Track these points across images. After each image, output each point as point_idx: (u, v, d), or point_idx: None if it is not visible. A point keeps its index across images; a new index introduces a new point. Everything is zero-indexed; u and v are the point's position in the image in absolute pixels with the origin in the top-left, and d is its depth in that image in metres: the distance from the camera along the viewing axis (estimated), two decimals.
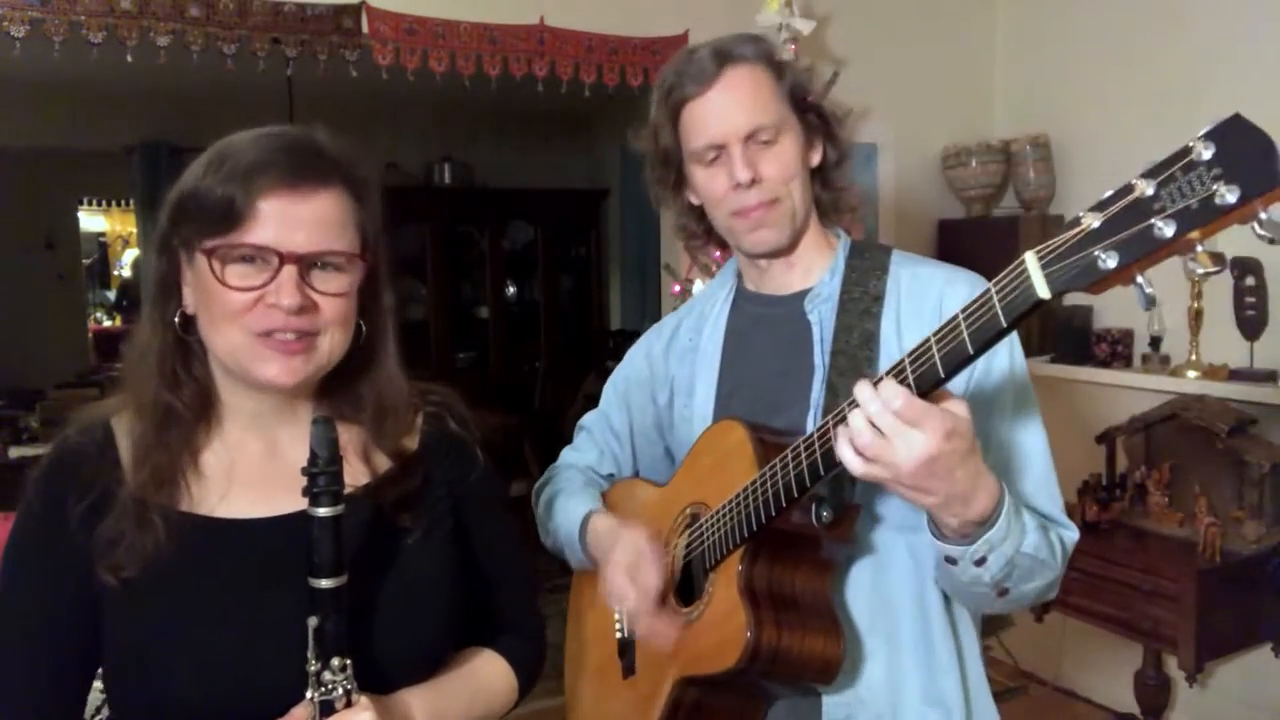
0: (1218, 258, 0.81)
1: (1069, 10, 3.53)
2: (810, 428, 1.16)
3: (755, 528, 1.11)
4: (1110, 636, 2.68)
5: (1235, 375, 2.83)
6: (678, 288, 2.75)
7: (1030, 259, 0.84)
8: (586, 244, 6.84)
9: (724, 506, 1.17)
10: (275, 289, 0.96)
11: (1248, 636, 2.64)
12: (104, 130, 5.89)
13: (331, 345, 1.02)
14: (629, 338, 5.17)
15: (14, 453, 4.03)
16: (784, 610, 1.12)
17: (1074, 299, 3.44)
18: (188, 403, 1.03)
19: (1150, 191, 0.78)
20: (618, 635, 1.37)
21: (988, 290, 0.87)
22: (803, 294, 1.30)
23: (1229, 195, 0.74)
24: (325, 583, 0.92)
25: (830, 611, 1.16)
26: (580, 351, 6.49)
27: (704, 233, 1.39)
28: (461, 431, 1.16)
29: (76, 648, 1.02)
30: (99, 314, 9.01)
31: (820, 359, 1.25)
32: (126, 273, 9.28)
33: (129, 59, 2.72)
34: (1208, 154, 0.75)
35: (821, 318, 1.27)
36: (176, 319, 1.02)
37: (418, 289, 6.17)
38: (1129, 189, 0.78)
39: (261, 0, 2.81)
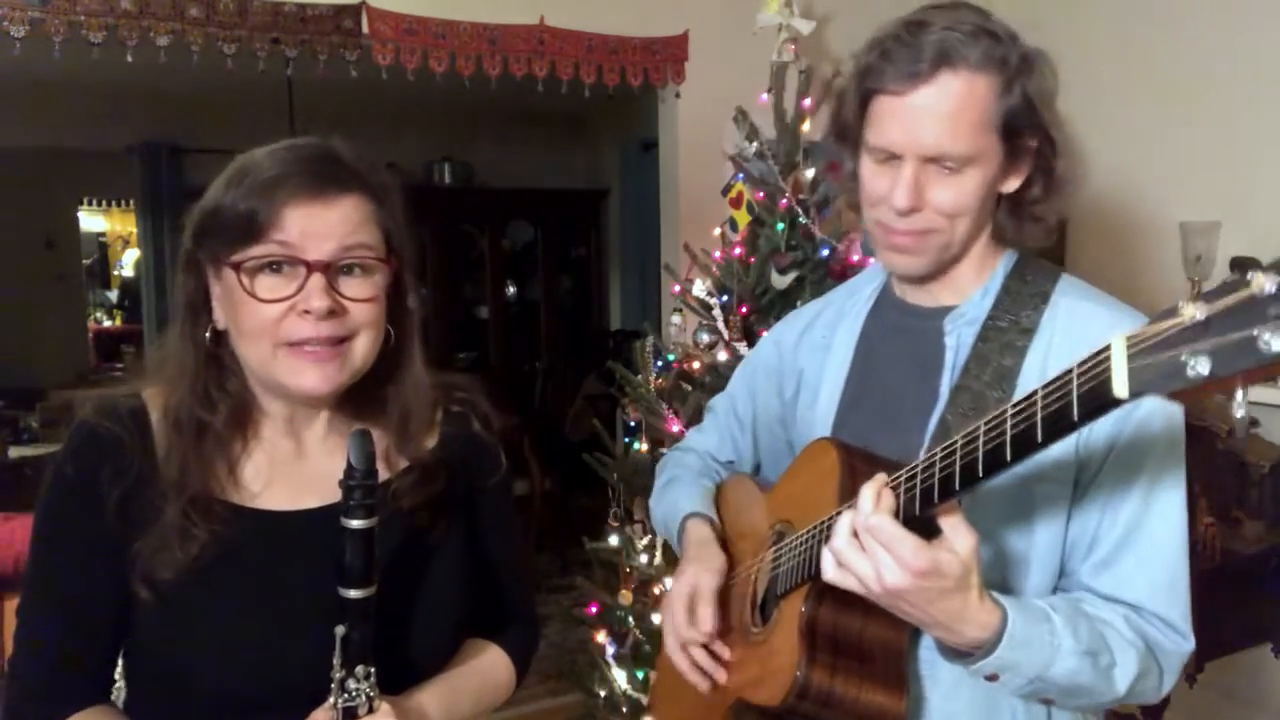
0: None
1: (1069, 11, 3.53)
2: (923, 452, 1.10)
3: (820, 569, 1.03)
4: None
5: None
6: (678, 288, 2.75)
7: (1118, 347, 0.71)
8: (586, 244, 6.84)
9: (802, 535, 1.10)
10: (304, 296, 0.98)
11: (1248, 636, 2.64)
12: (104, 130, 5.89)
13: (364, 350, 1.04)
14: (629, 338, 5.17)
15: (14, 453, 4.03)
16: (844, 656, 1.06)
17: None
18: (224, 418, 1.05)
19: (1270, 289, 0.63)
20: None
21: (1069, 373, 0.76)
22: (947, 310, 1.18)
23: None
24: (355, 593, 0.94)
25: (898, 666, 1.07)
26: (580, 351, 6.49)
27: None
28: (484, 434, 1.18)
29: (110, 620, 1.03)
30: (99, 314, 9.00)
31: (946, 388, 1.14)
32: (127, 273, 9.28)
33: (129, 59, 2.72)
34: None
35: (960, 342, 1.15)
36: (208, 335, 1.04)
37: (418, 289, 6.17)
38: (1245, 282, 0.64)
39: (261, 0, 2.81)
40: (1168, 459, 1.07)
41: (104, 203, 8.45)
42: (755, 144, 2.59)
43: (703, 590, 1.22)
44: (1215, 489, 2.71)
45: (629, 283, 6.47)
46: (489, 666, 1.19)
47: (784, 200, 2.49)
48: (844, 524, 0.93)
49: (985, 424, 0.85)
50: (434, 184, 6.38)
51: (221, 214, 1.00)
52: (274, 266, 0.99)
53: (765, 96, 2.70)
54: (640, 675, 2.48)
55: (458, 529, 1.13)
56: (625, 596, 2.55)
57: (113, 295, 9.36)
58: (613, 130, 6.47)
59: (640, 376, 2.65)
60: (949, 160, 1.07)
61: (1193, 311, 0.66)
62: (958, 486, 0.87)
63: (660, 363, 2.64)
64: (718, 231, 2.76)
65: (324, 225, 0.99)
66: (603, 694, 2.60)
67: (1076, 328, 1.11)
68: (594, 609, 2.65)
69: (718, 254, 2.66)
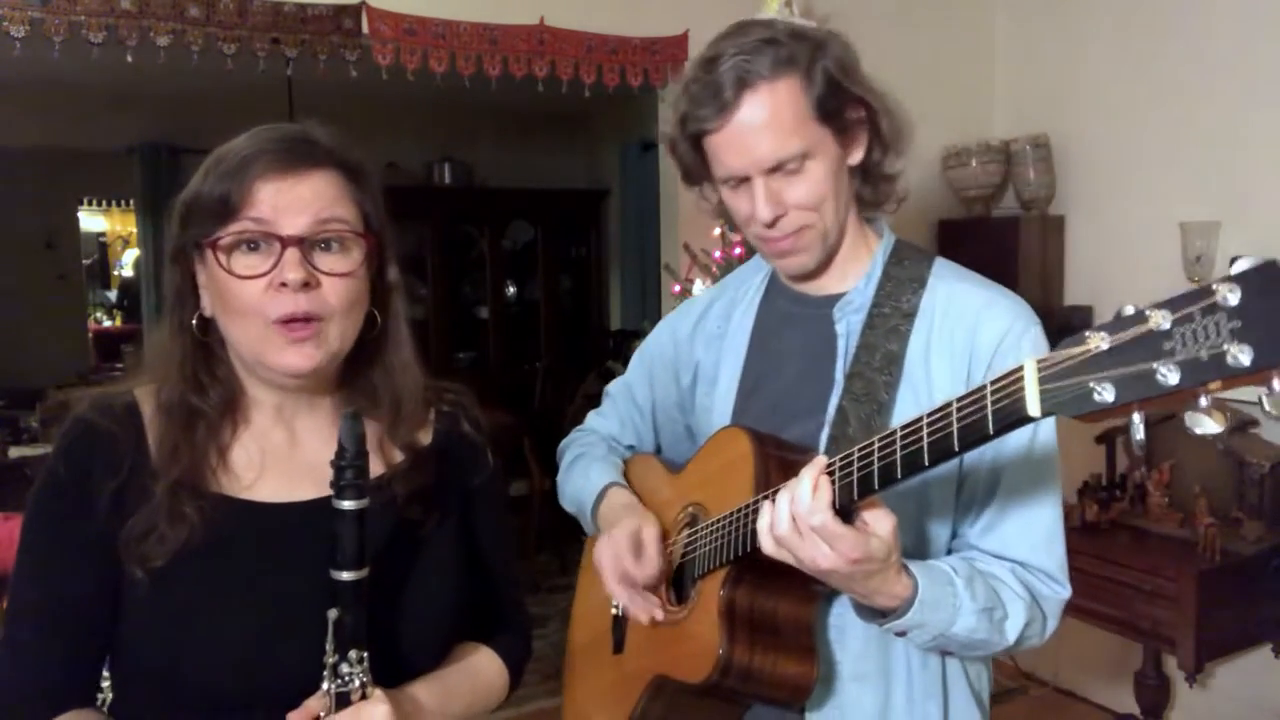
0: (1226, 416, 0.72)
1: (1069, 10, 3.53)
2: (822, 445, 1.18)
3: (741, 553, 1.10)
4: (1110, 637, 2.68)
5: None
6: (678, 288, 2.75)
7: (1030, 369, 0.79)
8: (586, 244, 6.84)
9: (718, 521, 1.16)
10: (279, 269, 0.98)
11: (1248, 636, 2.64)
12: (104, 130, 5.89)
13: (343, 329, 1.03)
14: (629, 338, 5.17)
15: (14, 453, 4.02)
16: (760, 632, 1.13)
17: (1075, 295, 3.44)
18: (213, 404, 1.05)
19: (1165, 325, 0.69)
20: (613, 611, 1.39)
21: (983, 390, 0.84)
22: (835, 299, 1.25)
23: (1241, 356, 0.65)
24: (347, 575, 0.94)
25: (808, 639, 1.16)
26: (580, 351, 6.49)
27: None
28: (474, 434, 1.18)
29: (98, 620, 1.02)
30: (99, 314, 9.00)
31: (840, 375, 1.21)
32: (126, 273, 9.28)
33: (129, 59, 2.72)
34: (1232, 299, 0.65)
35: (849, 329, 1.23)
36: (194, 322, 1.04)
37: (418, 289, 6.17)
38: (1143, 317, 0.71)
39: (261, 0, 2.81)
40: (1039, 434, 1.16)
41: (104, 203, 8.45)
42: None
43: (647, 535, 1.25)
44: (1215, 489, 2.71)
45: (629, 283, 6.47)
46: (482, 668, 1.18)
47: None
48: (784, 511, 0.99)
49: (902, 430, 0.92)
50: (434, 184, 6.38)
51: (199, 200, 1.01)
52: (251, 245, 0.99)
53: None
54: None
55: (449, 526, 1.13)
56: None
57: (113, 295, 9.36)
58: (613, 130, 6.47)
59: None
60: (788, 163, 1.15)
61: (1098, 342, 0.73)
62: (877, 485, 0.94)
63: None
64: (718, 231, 2.76)
65: (296, 199, 0.99)
66: None
67: (954, 309, 1.20)
68: None
69: (718, 254, 2.66)
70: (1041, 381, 0.77)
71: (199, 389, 1.04)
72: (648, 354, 1.51)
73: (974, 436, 0.84)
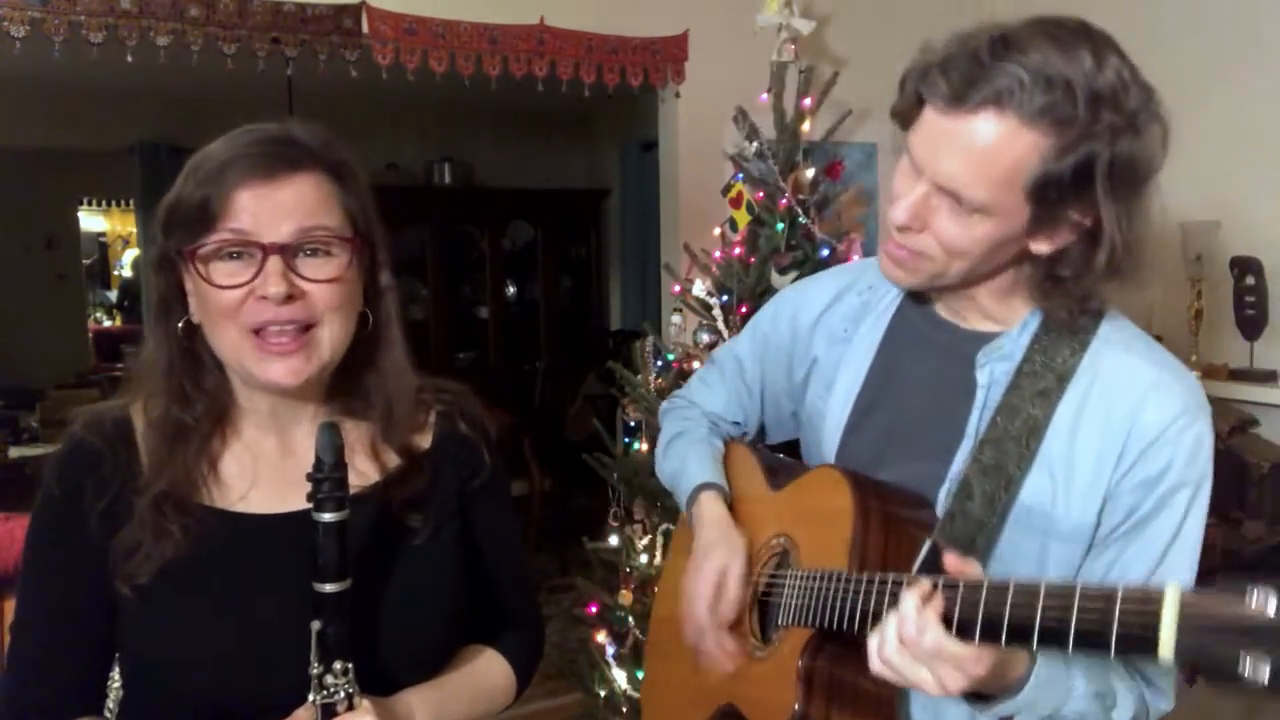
0: None
1: (1068, 10, 3.53)
2: (940, 501, 1.08)
3: (825, 627, 1.03)
4: None
5: (1235, 375, 2.82)
6: (678, 288, 2.75)
7: (1171, 605, 0.68)
8: (586, 244, 6.84)
9: (808, 578, 1.09)
10: (262, 280, 0.96)
11: None
12: (104, 130, 5.89)
13: (332, 336, 1.00)
14: (629, 338, 5.17)
15: (14, 453, 4.03)
16: (838, 699, 1.09)
17: None
18: (199, 417, 1.04)
19: None
20: None
21: (1112, 602, 0.73)
22: (980, 337, 1.11)
23: None
24: (329, 587, 0.93)
25: (890, 709, 1.09)
26: (580, 351, 6.49)
27: None
28: (472, 432, 1.15)
29: (98, 633, 1.03)
30: (99, 314, 9.01)
31: (973, 432, 1.08)
32: (126, 273, 9.29)
33: (129, 59, 2.72)
34: None
35: (992, 379, 1.08)
36: (180, 327, 1.02)
37: (418, 289, 6.18)
38: None
39: (261, 0, 2.81)
40: (1184, 535, 1.05)
41: (104, 203, 8.46)
42: (755, 144, 2.59)
43: (731, 577, 1.19)
44: (1215, 489, 2.71)
45: (629, 283, 6.46)
46: (483, 671, 1.17)
47: (784, 200, 2.49)
48: (891, 633, 0.90)
49: (1015, 589, 0.81)
50: (434, 184, 6.37)
51: (180, 206, 0.98)
52: (233, 254, 0.97)
53: (765, 96, 2.70)
54: (640, 675, 2.48)
55: (447, 531, 1.11)
56: (625, 596, 2.54)
57: (113, 295, 9.37)
58: (613, 130, 6.47)
59: (640, 376, 2.65)
60: (965, 201, 0.99)
61: (1263, 606, 0.62)
62: (977, 635, 0.85)
63: (660, 363, 2.64)
64: (718, 231, 2.76)
65: (277, 206, 0.96)
66: (603, 694, 2.60)
67: (1119, 382, 1.04)
68: (594, 609, 2.65)
69: (718, 254, 2.66)
70: (1181, 629, 0.67)
71: (185, 401, 1.03)
72: (762, 333, 1.39)
73: (1091, 642, 0.74)
